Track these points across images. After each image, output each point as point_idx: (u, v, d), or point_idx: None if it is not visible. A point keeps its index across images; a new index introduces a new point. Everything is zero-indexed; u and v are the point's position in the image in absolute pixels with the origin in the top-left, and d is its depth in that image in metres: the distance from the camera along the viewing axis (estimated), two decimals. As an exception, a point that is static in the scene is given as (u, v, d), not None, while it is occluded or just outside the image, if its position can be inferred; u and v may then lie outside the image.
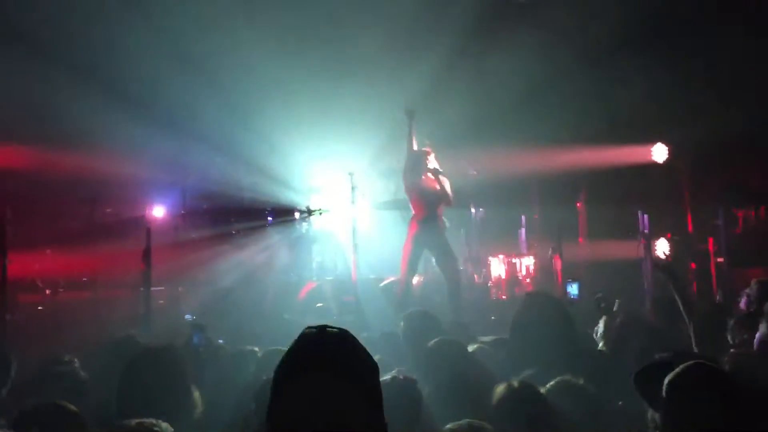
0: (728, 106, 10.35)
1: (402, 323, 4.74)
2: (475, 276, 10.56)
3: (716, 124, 10.02)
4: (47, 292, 9.20)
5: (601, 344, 4.72)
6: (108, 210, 11.32)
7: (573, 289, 9.06)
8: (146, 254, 7.11)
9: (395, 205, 10.59)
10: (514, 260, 10.47)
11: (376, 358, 1.89)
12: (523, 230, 11.07)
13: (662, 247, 10.25)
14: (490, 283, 10.39)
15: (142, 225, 8.56)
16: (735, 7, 9.50)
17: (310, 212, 11.15)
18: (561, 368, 3.33)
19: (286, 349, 1.84)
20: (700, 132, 10.28)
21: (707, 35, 9.80)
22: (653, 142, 11.39)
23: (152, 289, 7.51)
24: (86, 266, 9.64)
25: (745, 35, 9.73)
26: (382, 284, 9.50)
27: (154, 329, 6.45)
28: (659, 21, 9.86)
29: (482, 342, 4.89)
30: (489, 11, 10.18)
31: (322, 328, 1.85)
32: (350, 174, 9.51)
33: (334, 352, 1.79)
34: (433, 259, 8.77)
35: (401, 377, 3.10)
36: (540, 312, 4.11)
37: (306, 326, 1.89)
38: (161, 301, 8.66)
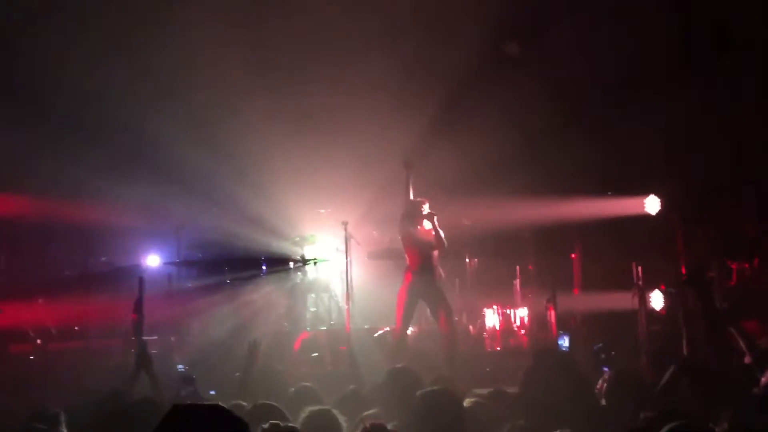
0: (720, 159, 10.48)
1: (384, 379, 4.68)
2: (470, 327, 10.51)
3: (708, 176, 10.14)
4: (38, 341, 9.12)
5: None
6: (102, 259, 11.30)
7: (564, 342, 9.02)
8: (138, 304, 7.07)
9: (390, 254, 10.59)
10: (508, 311, 10.43)
11: (369, 412, 1.87)
12: (518, 281, 11.06)
13: (656, 299, 10.24)
14: (484, 334, 10.34)
15: (136, 274, 8.55)
16: (725, 60, 9.68)
17: (304, 262, 11.12)
18: (562, 422, 3.30)
19: (274, 403, 1.83)
20: (692, 184, 10.38)
21: (699, 88, 9.97)
22: (646, 194, 11.47)
23: (144, 338, 7.46)
24: (78, 315, 9.58)
25: (736, 88, 9.90)
26: (376, 335, 9.44)
27: (144, 380, 6.37)
28: (651, 74, 10.04)
29: (478, 394, 4.84)
30: (483, 64, 10.36)
31: (191, 407, 1.81)
32: (344, 223, 9.54)
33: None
34: (428, 310, 8.73)
35: (368, 425, 3.06)
36: (551, 369, 4.08)
37: (173, 403, 1.84)
38: (153, 351, 8.56)
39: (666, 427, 2.46)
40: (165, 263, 11.44)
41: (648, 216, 11.44)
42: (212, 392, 5.84)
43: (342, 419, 3.51)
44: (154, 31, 9.44)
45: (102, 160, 10.09)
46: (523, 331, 10.33)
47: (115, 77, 9.67)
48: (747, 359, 4.22)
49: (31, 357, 8.90)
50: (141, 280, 7.27)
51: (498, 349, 10.08)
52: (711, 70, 9.57)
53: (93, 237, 10.91)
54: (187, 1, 9.51)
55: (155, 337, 8.83)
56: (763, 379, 3.82)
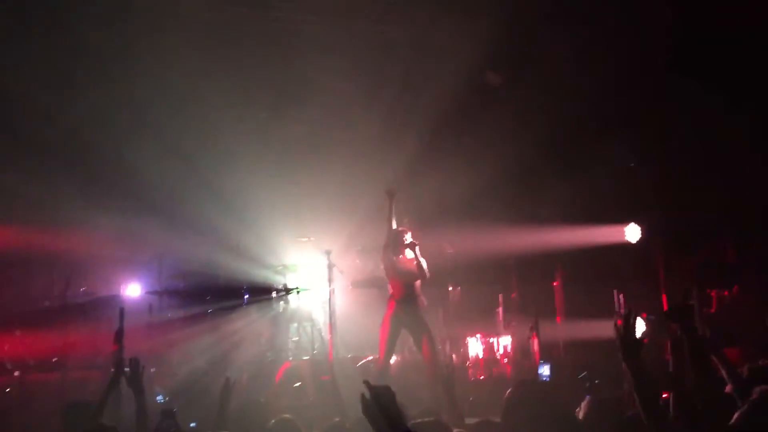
0: (700, 188, 10.62)
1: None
2: (453, 355, 10.48)
3: (688, 205, 10.26)
4: (15, 373, 8.96)
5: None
6: (82, 289, 11.16)
7: (544, 371, 9.02)
8: (119, 334, 6.98)
9: (373, 283, 10.58)
10: (491, 339, 10.43)
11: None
12: (501, 309, 11.07)
13: (638, 326, 10.27)
14: (467, 363, 10.31)
15: (116, 304, 8.45)
16: (703, 91, 9.84)
17: (287, 291, 11.07)
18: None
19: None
20: (673, 213, 10.50)
21: (678, 119, 10.13)
22: (626, 222, 11.58)
23: (127, 370, 7.35)
24: (57, 346, 9.43)
25: (715, 118, 10.06)
26: (359, 364, 9.39)
27: (124, 412, 6.27)
28: (633, 105, 10.19)
29: (466, 425, 4.81)
30: (467, 95, 10.46)
31: None
32: (327, 252, 9.53)
33: None
34: (411, 339, 8.70)
35: None
36: (530, 398, 4.07)
37: None
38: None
39: None
40: (146, 293, 11.34)
41: (629, 244, 11.53)
42: (193, 425, 5.76)
43: None
44: (134, 60, 9.44)
45: (82, 189, 10.03)
46: (506, 360, 10.31)
47: (95, 106, 9.64)
48: (728, 388, 4.22)
49: (8, 389, 8.73)
50: (121, 311, 7.19)
51: (481, 378, 10.05)
52: (694, 104, 9.73)
53: (73, 267, 10.78)
54: (169, 30, 9.54)
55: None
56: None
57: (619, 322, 3.87)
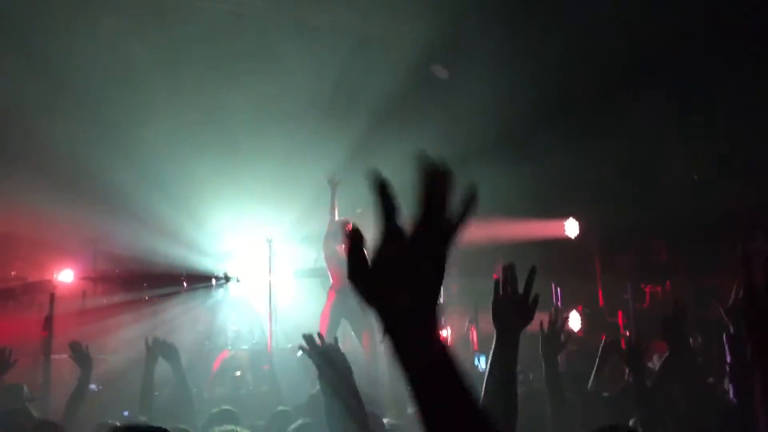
0: (637, 187, 10.89)
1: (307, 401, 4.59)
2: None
3: (625, 203, 10.51)
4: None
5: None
6: (12, 273, 10.79)
7: (480, 363, 9.13)
8: (48, 320, 6.77)
9: (315, 273, 10.52)
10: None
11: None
12: (441, 301, 11.14)
13: (574, 320, 10.50)
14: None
15: (47, 290, 8.19)
16: (646, 92, 10.07)
17: (226, 279, 10.92)
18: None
19: (186, 428, 1.76)
20: (610, 210, 10.74)
21: (619, 120, 10.34)
22: (566, 217, 11.81)
23: (58, 357, 7.15)
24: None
25: (654, 119, 10.31)
26: (299, 354, 9.32)
27: (54, 401, 6.10)
28: (574, 102, 10.35)
29: (404, 415, 4.84)
30: (410, 84, 10.46)
31: (131, 428, 1.75)
32: (269, 241, 9.43)
33: None
34: (351, 330, 8.70)
35: None
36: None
37: (113, 427, 1.77)
38: (64, 370, 8.21)
39: None
40: (79, 278, 11.02)
41: (568, 239, 11.76)
42: (126, 413, 5.62)
43: None
44: (68, 38, 9.11)
45: (12, 170, 9.65)
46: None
47: (25, 84, 9.28)
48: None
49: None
50: (52, 296, 6.97)
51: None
52: (633, 102, 9.95)
53: (2, 250, 10.40)
54: (105, 3, 9.27)
55: (66, 356, 8.45)
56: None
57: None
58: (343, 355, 2.93)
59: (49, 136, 9.68)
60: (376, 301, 1.16)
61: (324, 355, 2.93)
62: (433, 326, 1.15)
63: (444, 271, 1.20)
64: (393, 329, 1.15)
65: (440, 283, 1.18)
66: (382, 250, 1.17)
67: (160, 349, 4.92)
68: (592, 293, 11.26)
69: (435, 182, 1.26)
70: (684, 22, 8.66)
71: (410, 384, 1.12)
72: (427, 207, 1.23)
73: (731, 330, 3.67)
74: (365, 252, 1.19)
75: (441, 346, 1.14)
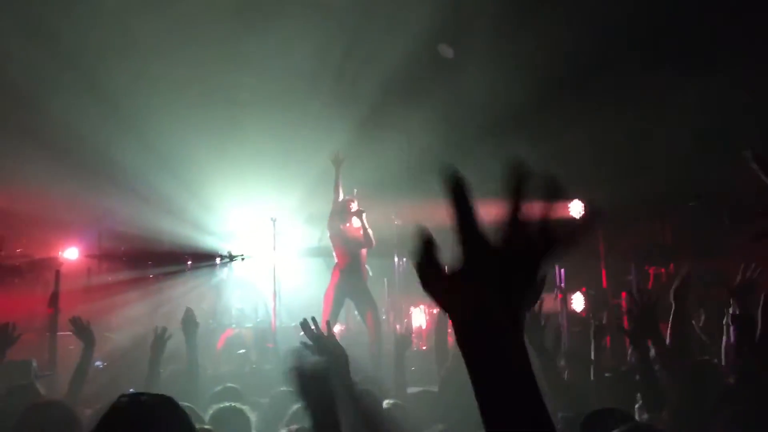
0: (642, 168, 10.84)
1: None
2: (397, 326, 10.55)
3: (630, 184, 10.47)
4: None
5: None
6: (18, 250, 10.82)
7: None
8: (54, 297, 6.80)
9: (319, 252, 10.53)
10: (435, 311, 10.51)
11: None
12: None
13: (578, 301, 10.52)
14: (411, 334, 10.37)
15: (52, 267, 8.22)
16: (651, 73, 10.00)
17: (231, 258, 10.94)
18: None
19: (189, 404, 1.77)
20: (616, 191, 10.69)
21: (624, 100, 10.28)
22: (571, 198, 11.76)
23: (63, 334, 7.19)
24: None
25: (660, 99, 10.24)
26: (302, 333, 9.35)
27: (61, 376, 6.14)
28: (578, 82, 10.28)
29: (408, 394, 4.87)
30: (415, 63, 10.40)
31: (135, 397, 1.76)
32: (273, 220, 9.45)
33: (145, 424, 1.71)
34: (355, 309, 8.73)
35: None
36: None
37: (121, 394, 1.79)
38: (71, 347, 8.27)
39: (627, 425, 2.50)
40: (84, 256, 11.06)
41: (571, 219, 11.74)
42: (131, 390, 5.66)
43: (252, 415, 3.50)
44: (75, 17, 9.08)
45: (18, 147, 9.66)
46: (449, 331, 10.42)
47: (34, 63, 9.26)
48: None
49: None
50: (57, 273, 7.00)
51: (424, 348, 10.15)
52: (638, 82, 9.89)
53: (8, 227, 10.43)
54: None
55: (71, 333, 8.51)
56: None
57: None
58: (339, 346, 2.93)
59: (55, 114, 9.68)
60: (459, 312, 1.07)
61: (319, 343, 2.95)
62: (519, 345, 1.05)
63: (535, 287, 1.10)
64: (474, 342, 1.06)
65: (531, 299, 1.10)
66: (467, 259, 1.08)
67: (186, 321, 4.97)
68: (595, 275, 11.26)
69: (524, 188, 1.17)
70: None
71: (481, 397, 1.05)
72: (517, 213, 1.14)
73: (736, 310, 3.68)
74: (438, 258, 1.11)
75: (524, 364, 1.05)
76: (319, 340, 3.06)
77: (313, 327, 3.04)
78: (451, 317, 1.08)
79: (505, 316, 1.05)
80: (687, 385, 3.62)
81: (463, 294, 1.07)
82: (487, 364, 1.05)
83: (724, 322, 4.11)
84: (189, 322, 4.99)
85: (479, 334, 1.06)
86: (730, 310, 3.98)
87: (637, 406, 3.90)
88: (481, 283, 1.06)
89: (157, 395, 1.76)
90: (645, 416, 3.74)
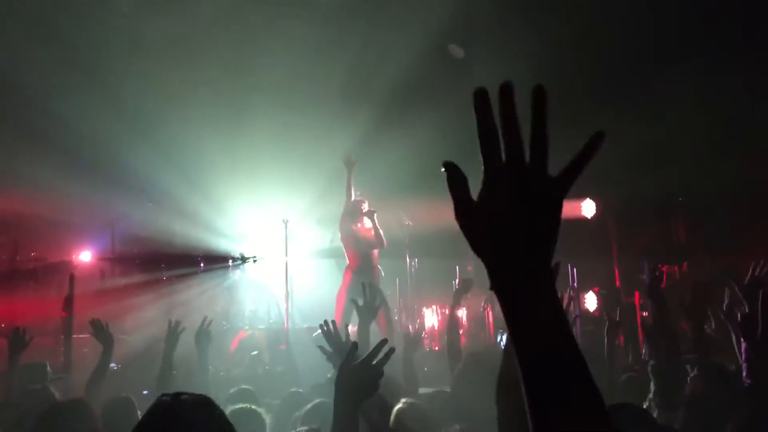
0: (655, 167, 10.78)
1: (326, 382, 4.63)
2: (409, 326, 10.55)
3: (643, 183, 10.43)
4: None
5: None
6: (32, 254, 10.91)
7: (503, 340, 9.14)
8: (68, 300, 6.85)
9: (331, 253, 10.55)
10: (447, 311, 10.50)
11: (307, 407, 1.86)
12: (457, 281, 11.14)
13: (590, 300, 10.48)
14: (423, 334, 10.37)
15: (67, 270, 8.28)
16: (663, 73, 9.95)
17: (243, 260, 10.98)
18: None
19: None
20: (628, 190, 10.66)
21: (637, 98, 10.24)
22: (583, 197, 11.74)
23: (78, 336, 7.25)
24: (6, 312, 9.21)
25: (672, 99, 10.19)
26: (315, 334, 9.37)
27: (76, 379, 6.19)
28: (590, 82, 10.25)
29: (422, 395, 4.87)
30: (427, 63, 10.39)
31: (176, 397, 1.77)
32: (285, 222, 9.47)
33: (187, 422, 1.72)
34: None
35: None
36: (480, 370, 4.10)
37: (161, 393, 1.81)
38: (85, 350, 8.33)
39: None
40: (98, 259, 11.13)
41: (585, 219, 11.70)
42: (145, 392, 5.69)
43: (267, 417, 3.52)
44: (87, 22, 9.14)
45: (33, 152, 9.73)
46: (461, 331, 10.40)
47: (46, 69, 9.33)
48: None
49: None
50: (71, 277, 7.05)
51: (436, 349, 10.14)
52: (650, 84, 9.85)
53: (22, 231, 10.51)
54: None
55: (85, 335, 8.57)
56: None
57: None
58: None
59: (68, 118, 9.74)
60: (488, 253, 1.05)
61: (336, 344, 2.99)
62: (551, 285, 1.04)
63: (560, 220, 1.08)
64: (506, 286, 1.03)
65: (557, 234, 1.07)
66: (493, 191, 1.04)
67: (200, 334, 4.99)
68: (608, 274, 11.22)
69: (543, 112, 1.08)
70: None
71: (517, 345, 1.02)
72: (542, 141, 1.08)
73: (745, 309, 3.65)
74: (468, 189, 1.07)
75: (556, 306, 1.02)
76: (337, 343, 3.09)
77: (331, 330, 3.08)
78: (482, 260, 1.06)
79: (533, 258, 1.03)
80: (703, 385, 3.60)
81: (489, 235, 1.04)
82: (520, 312, 1.03)
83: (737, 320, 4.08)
84: (202, 334, 5.02)
85: (508, 283, 1.04)
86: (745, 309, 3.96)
87: (646, 405, 3.89)
88: (506, 220, 1.03)
89: (197, 395, 1.79)
90: (655, 414, 3.73)
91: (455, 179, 1.07)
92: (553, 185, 1.07)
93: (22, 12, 8.93)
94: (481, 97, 1.10)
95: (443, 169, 1.09)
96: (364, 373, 2.45)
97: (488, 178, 1.05)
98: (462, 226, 1.07)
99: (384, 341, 2.60)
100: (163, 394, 1.78)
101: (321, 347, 3.24)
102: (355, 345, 2.58)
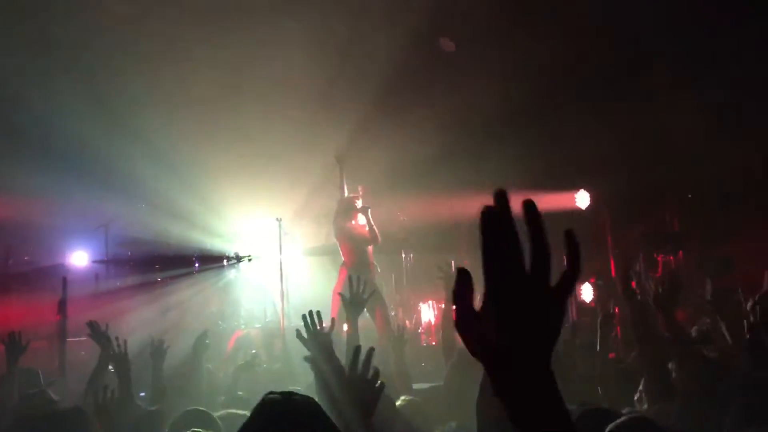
0: (647, 156, 10.80)
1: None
2: (407, 321, 10.53)
3: (636, 173, 10.43)
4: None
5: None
6: (25, 257, 10.86)
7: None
8: (62, 304, 6.82)
9: (325, 250, 10.53)
10: (444, 306, 10.48)
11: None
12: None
13: (587, 292, 10.48)
14: (420, 329, 10.37)
15: (60, 273, 8.24)
16: (657, 63, 9.95)
17: (238, 259, 10.95)
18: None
19: (203, 408, 1.77)
20: (621, 180, 10.66)
21: (628, 91, 10.24)
22: (577, 188, 11.73)
23: (73, 339, 7.21)
24: (-1, 316, 9.16)
25: (664, 89, 10.20)
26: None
27: (72, 383, 6.15)
28: (584, 74, 10.25)
29: (418, 390, 4.86)
30: (418, 59, 10.37)
31: (288, 396, 1.77)
32: (278, 220, 9.44)
33: (301, 424, 1.73)
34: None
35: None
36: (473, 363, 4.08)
37: (268, 391, 1.81)
38: (82, 353, 8.28)
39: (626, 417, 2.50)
40: (92, 261, 11.08)
41: (579, 210, 11.70)
42: (142, 394, 5.66)
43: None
44: (80, 29, 9.08)
45: (25, 153, 9.68)
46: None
47: (38, 72, 9.27)
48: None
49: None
50: (64, 280, 7.01)
51: (433, 343, 10.12)
52: (643, 70, 9.85)
53: (15, 234, 10.45)
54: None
55: (80, 338, 8.53)
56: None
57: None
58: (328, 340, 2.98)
59: (60, 121, 9.69)
60: (491, 358, 1.07)
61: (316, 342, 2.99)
62: (553, 386, 1.07)
63: (561, 324, 1.11)
64: (511, 389, 1.06)
65: (557, 338, 1.10)
66: (499, 299, 1.07)
67: (196, 345, 5.00)
68: (604, 265, 11.22)
69: (538, 226, 1.16)
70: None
71: None
72: (540, 251, 1.14)
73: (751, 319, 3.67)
74: (472, 297, 1.08)
75: (561, 408, 1.06)
76: (315, 335, 3.10)
77: (313, 321, 3.07)
78: (482, 362, 1.09)
79: (531, 357, 1.06)
80: (700, 376, 3.59)
81: (493, 341, 1.07)
82: (519, 408, 1.06)
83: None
84: (200, 345, 5.03)
85: (513, 386, 1.06)
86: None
87: (636, 397, 3.89)
88: (507, 320, 1.06)
89: (305, 396, 1.80)
90: (645, 406, 3.72)
91: (464, 288, 1.08)
92: (555, 297, 1.14)
93: (11, 14, 8.86)
94: (490, 217, 1.12)
95: (456, 275, 1.10)
96: (363, 392, 2.43)
97: (493, 292, 1.07)
98: (462, 334, 1.09)
99: (357, 349, 2.59)
100: (270, 392, 1.78)
101: (300, 338, 3.22)
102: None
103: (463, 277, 1.09)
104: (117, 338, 4.64)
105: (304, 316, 3.15)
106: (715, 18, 9.07)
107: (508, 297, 1.07)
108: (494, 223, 1.11)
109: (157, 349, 4.80)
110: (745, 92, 9.52)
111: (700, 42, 9.46)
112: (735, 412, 2.96)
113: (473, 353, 1.09)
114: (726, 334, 4.61)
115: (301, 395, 1.80)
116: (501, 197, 1.13)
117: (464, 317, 1.08)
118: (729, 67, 9.36)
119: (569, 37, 9.68)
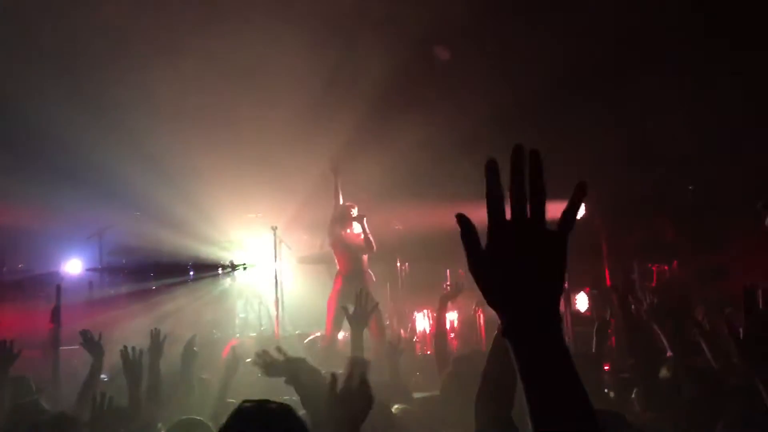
0: (643, 166, 10.83)
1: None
2: (402, 331, 10.51)
3: (631, 183, 10.46)
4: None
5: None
6: (19, 265, 10.82)
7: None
8: (56, 312, 6.78)
9: (320, 259, 10.52)
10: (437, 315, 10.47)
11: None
12: (448, 285, 11.13)
13: (582, 301, 10.48)
14: (415, 338, 10.35)
15: (54, 281, 8.21)
16: (649, 73, 9.99)
17: (233, 267, 10.93)
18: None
19: (197, 418, 1.78)
20: (617, 190, 10.68)
21: (624, 98, 10.26)
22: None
23: (66, 348, 7.17)
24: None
25: (658, 98, 10.23)
26: (306, 341, 9.34)
27: (65, 392, 6.12)
28: (576, 83, 10.28)
29: (414, 398, 4.84)
30: (412, 69, 10.39)
31: (263, 403, 1.78)
32: (274, 228, 9.43)
33: (275, 430, 1.76)
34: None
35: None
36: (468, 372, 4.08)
37: (243, 400, 1.82)
38: (75, 361, 8.24)
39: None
40: (86, 269, 11.05)
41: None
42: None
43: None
44: (74, 34, 9.08)
45: (18, 161, 9.65)
46: (453, 335, 10.38)
47: (29, 78, 9.25)
48: (668, 354, 4.34)
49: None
50: (58, 288, 6.98)
51: (429, 352, 10.11)
52: (637, 83, 9.88)
53: (9, 242, 10.42)
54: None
55: (74, 347, 8.48)
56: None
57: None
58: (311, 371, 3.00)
59: (54, 128, 9.67)
60: (503, 301, 1.14)
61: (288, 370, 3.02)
62: (559, 329, 1.13)
63: (564, 267, 1.20)
64: (519, 331, 1.12)
65: (563, 279, 1.18)
66: (504, 243, 1.15)
67: (185, 354, 4.97)
68: (599, 274, 11.23)
69: (535, 169, 1.26)
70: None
71: (529, 387, 1.11)
72: (539, 198, 1.25)
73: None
74: (479, 240, 1.17)
75: (565, 350, 1.12)
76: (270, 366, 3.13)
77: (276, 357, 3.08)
78: (496, 310, 1.14)
79: (545, 308, 1.13)
80: (695, 384, 3.60)
81: (502, 284, 1.14)
82: (534, 358, 1.12)
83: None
84: (188, 352, 5.01)
85: (522, 328, 1.12)
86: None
87: (633, 404, 3.89)
88: (517, 269, 1.14)
89: (280, 403, 1.80)
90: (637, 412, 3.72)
91: (468, 231, 1.19)
92: (553, 236, 1.24)
93: (5, 21, 8.86)
94: (491, 167, 1.24)
95: (457, 221, 1.21)
96: (354, 405, 2.40)
97: (494, 233, 1.18)
98: (475, 275, 1.17)
99: (357, 361, 2.61)
100: (245, 401, 1.79)
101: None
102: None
103: (464, 221, 1.19)
104: (133, 348, 4.58)
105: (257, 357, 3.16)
106: (712, 24, 9.12)
107: (509, 237, 1.16)
108: (496, 175, 1.23)
109: (154, 345, 4.77)
110: (741, 102, 9.57)
111: (696, 49, 9.51)
112: (727, 420, 2.97)
113: (488, 298, 1.15)
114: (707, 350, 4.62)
115: (278, 403, 1.80)
116: (518, 153, 1.24)
117: (475, 258, 1.16)
118: (724, 75, 9.39)
119: (564, 44, 9.72)
